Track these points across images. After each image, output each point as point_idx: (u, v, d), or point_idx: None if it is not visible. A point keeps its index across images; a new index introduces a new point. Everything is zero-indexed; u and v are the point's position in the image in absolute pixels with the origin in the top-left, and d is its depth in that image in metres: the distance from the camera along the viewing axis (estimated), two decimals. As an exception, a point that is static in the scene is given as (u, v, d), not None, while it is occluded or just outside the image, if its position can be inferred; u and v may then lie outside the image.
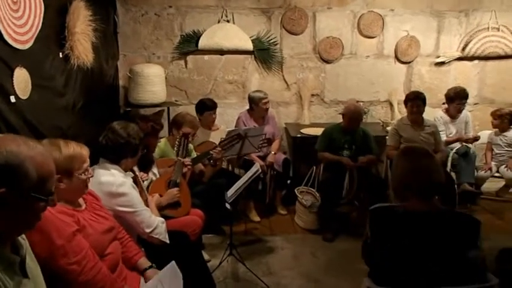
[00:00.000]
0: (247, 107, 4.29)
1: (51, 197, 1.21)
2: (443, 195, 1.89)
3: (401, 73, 4.88)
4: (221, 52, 4.65)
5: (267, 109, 4.18)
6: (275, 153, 4.23)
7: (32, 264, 1.29)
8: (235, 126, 4.19)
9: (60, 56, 2.98)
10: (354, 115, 3.84)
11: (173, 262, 1.88)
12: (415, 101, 3.94)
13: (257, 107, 4.16)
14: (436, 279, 1.65)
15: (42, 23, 2.63)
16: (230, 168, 4.25)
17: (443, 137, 4.24)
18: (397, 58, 4.82)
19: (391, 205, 1.84)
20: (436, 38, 4.81)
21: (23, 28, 2.44)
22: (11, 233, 1.20)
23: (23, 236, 1.30)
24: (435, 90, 4.84)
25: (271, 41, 4.68)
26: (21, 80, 2.39)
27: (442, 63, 4.86)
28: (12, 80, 2.30)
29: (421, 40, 4.76)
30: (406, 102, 4.03)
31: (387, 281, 1.70)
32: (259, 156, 4.11)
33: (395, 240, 1.71)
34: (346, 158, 3.85)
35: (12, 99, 2.29)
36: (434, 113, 4.46)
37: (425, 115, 4.04)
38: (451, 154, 4.20)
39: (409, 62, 4.85)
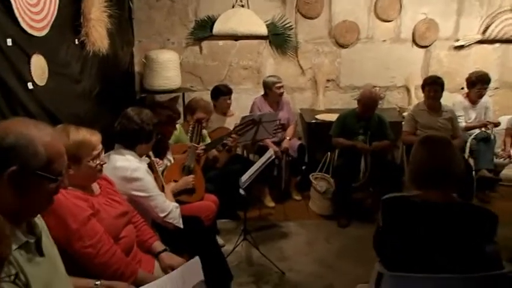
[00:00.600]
0: (262, 92, 4.28)
1: (60, 177, 1.24)
2: (461, 185, 1.85)
3: (418, 57, 4.79)
4: (236, 37, 4.62)
5: (280, 94, 4.16)
6: (290, 139, 4.22)
7: (48, 243, 1.33)
8: (250, 112, 4.19)
9: (76, 42, 3.00)
10: (369, 101, 3.80)
11: (197, 258, 1.84)
12: (433, 85, 3.86)
13: (271, 91, 4.15)
14: (450, 270, 1.63)
15: (58, 10, 2.65)
16: (245, 154, 4.26)
17: (463, 123, 4.16)
18: (414, 42, 4.72)
19: (405, 195, 1.82)
20: (456, 20, 4.68)
21: (39, 15, 2.46)
22: (24, 215, 1.24)
23: (38, 216, 1.34)
24: (453, 74, 4.73)
25: (286, 25, 4.63)
26: (38, 67, 2.43)
27: (461, 47, 4.74)
28: (30, 66, 2.34)
29: (439, 23, 4.65)
30: (423, 86, 3.96)
31: (400, 268, 1.69)
32: (274, 142, 4.11)
33: (409, 230, 1.69)
34: (360, 142, 3.82)
35: (30, 85, 2.32)
36: (452, 98, 4.37)
37: (443, 100, 3.96)
38: (469, 140, 4.13)
39: (427, 46, 4.74)
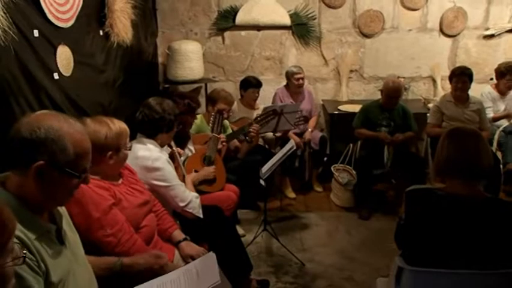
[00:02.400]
0: (284, 83, 4.26)
1: (84, 174, 1.27)
2: (489, 178, 1.80)
3: (445, 47, 4.65)
4: (258, 27, 4.60)
5: (299, 85, 4.12)
6: (312, 131, 4.20)
7: (69, 232, 1.37)
8: (272, 103, 4.18)
9: (101, 33, 3.05)
10: (392, 91, 3.73)
11: (213, 254, 1.82)
12: (461, 76, 3.74)
13: (290, 82, 4.14)
14: (473, 265, 1.60)
15: (83, 1, 2.69)
16: (267, 146, 4.26)
17: (491, 114, 4.05)
18: (441, 31, 4.59)
19: (430, 187, 1.78)
20: (486, 8, 4.52)
21: (65, 7, 2.51)
22: (45, 206, 1.27)
23: None
24: (482, 65, 4.59)
25: (309, 15, 4.58)
26: (64, 58, 2.48)
27: (491, 36, 4.58)
28: (55, 57, 2.39)
29: (468, 11, 4.50)
30: (451, 78, 3.84)
31: (421, 263, 1.67)
32: (296, 133, 4.09)
33: (433, 223, 1.66)
34: (383, 133, 3.77)
35: (56, 76, 2.38)
36: (480, 89, 4.25)
37: (471, 91, 3.85)
38: (497, 132, 4.01)
39: (455, 36, 4.60)
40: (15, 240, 1.08)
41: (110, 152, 1.77)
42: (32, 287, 1.12)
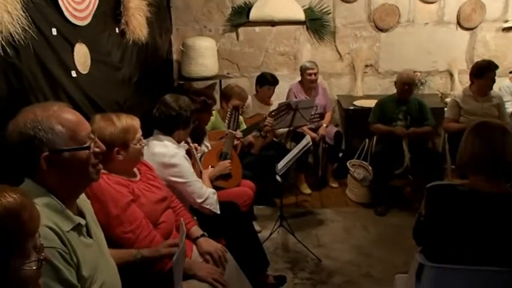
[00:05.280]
0: (299, 78, 4.24)
1: (90, 143, 1.27)
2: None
3: (463, 41, 4.57)
4: (272, 23, 4.58)
5: (311, 81, 4.10)
6: (327, 126, 4.18)
7: (95, 227, 1.38)
8: (286, 98, 4.17)
9: (117, 31, 3.07)
10: (404, 79, 3.72)
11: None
12: (494, 71, 3.59)
13: (303, 77, 4.13)
14: (496, 263, 1.57)
15: (99, 0, 2.71)
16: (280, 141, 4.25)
17: (510, 108, 3.97)
18: (459, 24, 4.51)
19: (451, 183, 1.74)
20: (505, 0, 4.43)
21: (81, 5, 2.53)
22: (74, 190, 1.29)
23: (87, 199, 1.39)
24: (501, 58, 4.49)
25: (324, 10, 4.54)
26: (81, 55, 2.50)
27: (510, 29, 4.48)
28: (73, 55, 2.41)
29: (487, 4, 4.41)
30: (482, 72, 3.60)
31: (442, 259, 1.64)
32: (311, 129, 4.08)
33: (455, 220, 1.63)
34: (399, 127, 3.73)
35: (73, 74, 2.40)
36: (499, 83, 4.16)
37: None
38: (517, 127, 3.93)
39: (473, 28, 4.52)
40: (49, 240, 1.08)
41: (116, 148, 1.78)
42: (67, 279, 1.13)
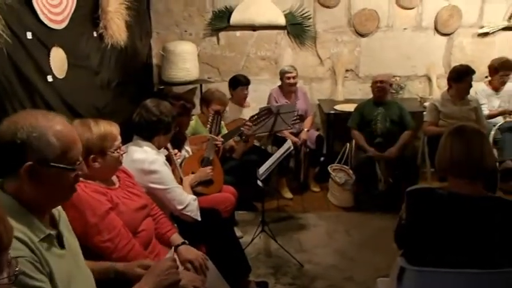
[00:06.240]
0: (280, 83, 4.24)
1: (77, 165, 1.23)
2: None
3: (440, 46, 4.66)
4: (253, 28, 4.58)
5: (290, 84, 4.11)
6: (308, 130, 4.19)
7: (69, 236, 1.34)
8: (267, 103, 4.16)
9: (95, 35, 3.02)
10: (376, 77, 3.84)
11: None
12: (470, 75, 3.71)
13: (283, 81, 4.14)
14: (476, 265, 1.59)
15: (77, 3, 2.67)
16: (262, 147, 4.24)
17: (486, 111, 4.06)
18: (436, 30, 4.60)
19: (431, 187, 1.76)
20: (480, 7, 4.54)
21: (58, 8, 2.48)
22: (47, 206, 1.24)
23: (60, 208, 1.35)
24: (477, 63, 4.56)
25: (304, 15, 4.56)
26: (58, 60, 2.45)
27: (485, 34, 4.59)
28: (49, 59, 2.36)
29: (463, 10, 4.51)
30: (461, 76, 3.70)
31: (423, 262, 1.65)
32: (292, 133, 4.08)
33: (435, 223, 1.64)
34: (373, 150, 3.76)
35: (50, 78, 2.35)
36: (476, 87, 4.25)
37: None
38: (493, 130, 4.01)
39: (450, 34, 4.61)
40: (16, 249, 1.03)
41: (92, 156, 1.73)
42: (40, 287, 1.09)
